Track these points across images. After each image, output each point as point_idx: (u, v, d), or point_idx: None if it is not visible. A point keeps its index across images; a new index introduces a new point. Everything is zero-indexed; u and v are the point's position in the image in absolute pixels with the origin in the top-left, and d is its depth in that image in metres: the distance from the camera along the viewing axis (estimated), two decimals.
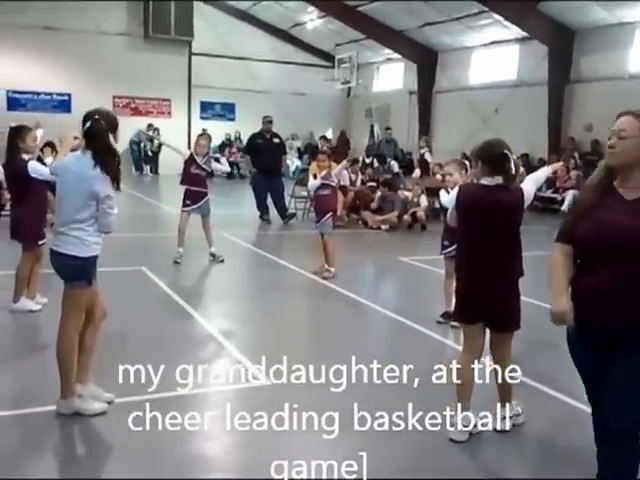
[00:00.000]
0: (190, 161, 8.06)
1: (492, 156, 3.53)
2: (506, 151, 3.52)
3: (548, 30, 15.30)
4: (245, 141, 14.83)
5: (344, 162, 8.45)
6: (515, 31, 16.24)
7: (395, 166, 13.29)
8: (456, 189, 3.91)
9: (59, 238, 3.72)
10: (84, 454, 3.62)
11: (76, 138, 4.35)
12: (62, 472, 3.37)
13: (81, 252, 3.67)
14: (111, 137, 3.71)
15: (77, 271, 3.69)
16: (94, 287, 3.81)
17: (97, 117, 3.70)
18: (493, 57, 17.84)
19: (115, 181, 3.72)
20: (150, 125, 20.52)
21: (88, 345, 3.85)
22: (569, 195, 13.38)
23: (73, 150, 4.11)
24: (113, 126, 3.77)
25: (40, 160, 6.08)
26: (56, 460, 3.48)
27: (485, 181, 3.55)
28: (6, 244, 6.07)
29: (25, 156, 5.55)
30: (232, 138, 22.01)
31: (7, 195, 8.65)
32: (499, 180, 3.50)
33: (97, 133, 3.68)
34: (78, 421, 3.73)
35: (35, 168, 5.48)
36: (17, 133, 5.63)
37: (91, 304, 3.83)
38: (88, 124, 3.70)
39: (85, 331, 3.83)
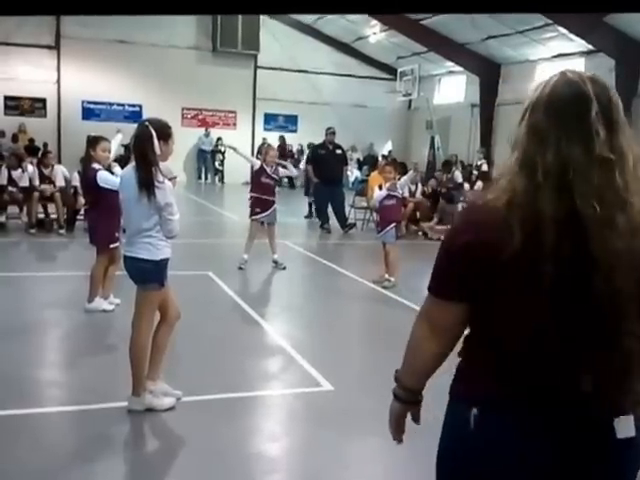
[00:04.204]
0: (260, 171, 8.27)
1: None
2: None
3: (615, 42, 14.87)
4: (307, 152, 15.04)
5: (411, 173, 8.47)
6: (580, 44, 15.86)
7: (459, 177, 13.16)
8: None
9: (131, 244, 3.81)
10: (154, 450, 3.70)
11: None
12: (134, 465, 3.46)
13: (153, 255, 3.74)
14: (156, 143, 3.65)
15: (150, 274, 3.76)
16: (166, 288, 3.88)
17: (146, 124, 3.70)
18: (558, 70, 17.43)
19: (142, 186, 3.62)
20: (206, 129, 21.11)
21: (161, 344, 3.91)
22: None
23: None
24: (162, 134, 3.72)
25: (109, 169, 6.30)
26: (129, 454, 3.58)
27: None
28: (85, 247, 6.35)
29: (96, 165, 5.71)
30: (294, 149, 22.28)
31: (82, 200, 9.09)
32: None
33: (137, 139, 3.69)
34: (149, 417, 3.81)
35: (103, 178, 5.61)
36: (90, 143, 5.85)
37: (164, 304, 3.89)
38: (135, 131, 3.73)
39: (158, 330, 3.92)
